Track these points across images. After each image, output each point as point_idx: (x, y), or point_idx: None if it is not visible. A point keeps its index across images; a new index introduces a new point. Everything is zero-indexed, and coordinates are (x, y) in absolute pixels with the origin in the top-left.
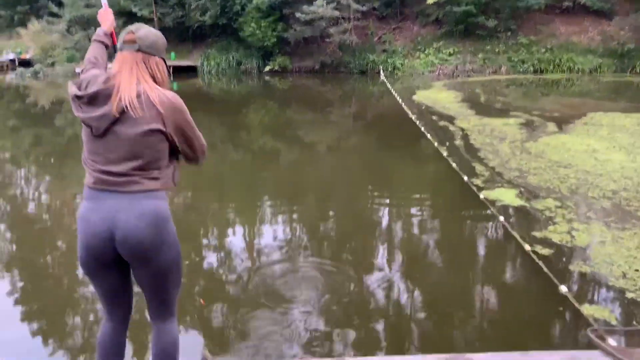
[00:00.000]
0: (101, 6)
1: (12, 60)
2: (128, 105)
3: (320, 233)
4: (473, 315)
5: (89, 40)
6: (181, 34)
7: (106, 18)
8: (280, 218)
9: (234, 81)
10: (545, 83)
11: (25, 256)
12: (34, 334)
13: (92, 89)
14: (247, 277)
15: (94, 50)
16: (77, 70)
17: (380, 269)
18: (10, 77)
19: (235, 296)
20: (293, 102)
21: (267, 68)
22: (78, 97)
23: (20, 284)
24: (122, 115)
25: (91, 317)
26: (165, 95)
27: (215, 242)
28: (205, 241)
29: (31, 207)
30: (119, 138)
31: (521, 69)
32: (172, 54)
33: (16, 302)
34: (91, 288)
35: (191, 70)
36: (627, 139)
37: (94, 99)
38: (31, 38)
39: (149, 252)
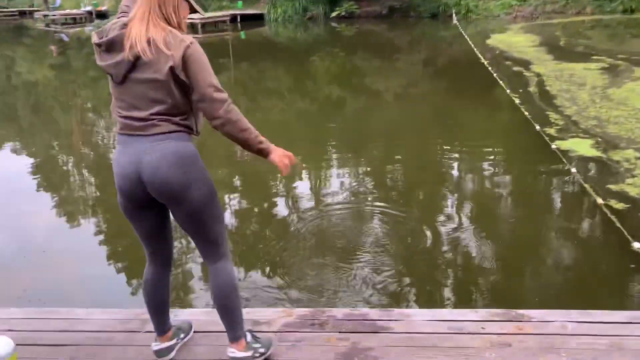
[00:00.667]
0: None
1: (90, 12)
2: (140, 51)
3: (387, 182)
4: (541, 270)
5: None
6: None
7: None
8: (346, 168)
9: (301, 29)
10: (636, 24)
11: (108, 199)
12: (117, 270)
13: (110, 35)
14: (313, 224)
15: None
16: None
17: (448, 220)
18: (88, 29)
19: (301, 243)
20: (360, 49)
21: (334, 14)
22: (98, 45)
23: (104, 226)
24: (137, 61)
25: None
26: (174, 37)
27: (283, 191)
28: (273, 190)
29: (111, 154)
30: (136, 84)
31: (608, 9)
32: (239, 2)
33: (100, 243)
34: None
35: (258, 19)
36: None
37: (111, 46)
38: None
39: (176, 191)
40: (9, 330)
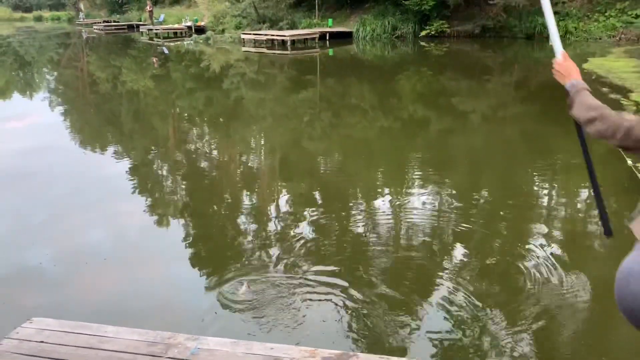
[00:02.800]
0: None
1: (189, 27)
2: None
3: (470, 206)
4: None
5: (254, 8)
6: (340, 0)
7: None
8: (427, 188)
9: (389, 47)
10: None
11: (196, 206)
12: (201, 273)
13: None
14: (390, 243)
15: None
16: (243, 37)
17: (536, 253)
18: (187, 43)
19: (377, 261)
20: (448, 69)
21: (423, 33)
22: None
23: (191, 231)
24: None
25: (244, 260)
26: None
27: (362, 207)
28: (351, 206)
29: (203, 162)
30: None
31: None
32: (330, 20)
33: (187, 245)
34: (248, 237)
35: (347, 37)
36: None
37: None
38: (206, 6)
39: None
40: (42, 342)
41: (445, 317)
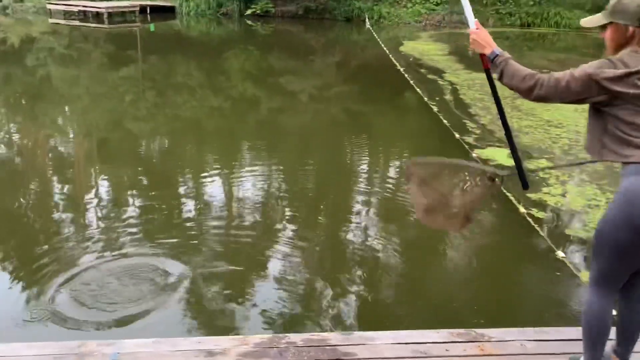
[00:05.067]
0: None
1: None
2: None
3: (297, 185)
4: (466, 284)
5: None
6: None
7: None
8: (258, 167)
9: (214, 24)
10: (532, 37)
11: None
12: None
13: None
14: (222, 224)
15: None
16: (49, 7)
17: (356, 227)
18: None
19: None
20: (275, 49)
21: (249, 11)
22: (632, 73)
23: None
24: None
25: (63, 258)
26: None
27: (191, 189)
28: (181, 188)
29: (1, 149)
30: None
31: (508, 22)
32: None
33: None
34: (59, 227)
35: (169, 11)
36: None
37: None
38: None
39: None
40: None
41: (277, 290)
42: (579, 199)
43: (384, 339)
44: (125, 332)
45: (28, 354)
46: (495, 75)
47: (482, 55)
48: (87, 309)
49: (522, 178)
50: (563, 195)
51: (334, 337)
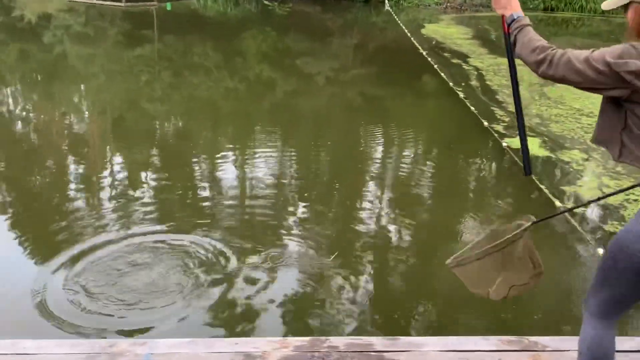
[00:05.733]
0: None
1: None
2: None
3: (311, 169)
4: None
5: None
6: None
7: None
8: (271, 149)
9: (231, 4)
10: (555, 22)
11: (13, 175)
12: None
13: None
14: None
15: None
16: None
17: (374, 211)
18: None
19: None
20: (292, 30)
21: None
22: None
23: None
24: None
25: (77, 233)
26: None
27: (206, 170)
28: (196, 168)
29: (18, 126)
30: None
31: (531, 5)
32: None
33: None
34: (74, 205)
35: None
36: None
37: None
38: None
39: None
40: None
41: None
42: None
43: (431, 346)
44: (153, 324)
45: (58, 352)
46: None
47: (503, 17)
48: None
49: (526, 163)
50: (599, 188)
51: (378, 341)
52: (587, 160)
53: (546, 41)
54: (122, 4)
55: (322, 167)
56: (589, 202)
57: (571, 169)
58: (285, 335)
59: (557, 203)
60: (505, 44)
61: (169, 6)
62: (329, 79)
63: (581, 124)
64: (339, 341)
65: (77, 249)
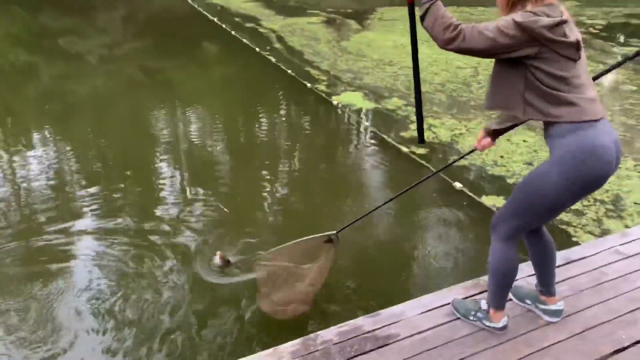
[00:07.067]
0: None
1: None
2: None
3: (97, 161)
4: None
5: None
6: None
7: None
8: (44, 146)
9: None
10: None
11: None
12: None
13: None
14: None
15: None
16: None
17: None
18: None
19: None
20: (45, 6)
21: None
22: (562, 22)
23: None
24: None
25: None
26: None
27: None
28: None
29: None
30: (583, 64)
31: None
32: None
33: None
34: None
35: None
36: (424, 32)
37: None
38: None
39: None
40: None
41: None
42: (444, 131)
43: (411, 310)
44: None
45: None
46: (418, 13)
47: None
48: None
49: (420, 133)
50: (429, 129)
51: (363, 322)
52: (407, 105)
53: (454, 17)
54: None
55: (113, 155)
56: (440, 170)
57: (399, 116)
58: None
59: (404, 149)
60: (410, 15)
61: None
62: (102, 56)
63: (387, 73)
64: (329, 333)
65: None
